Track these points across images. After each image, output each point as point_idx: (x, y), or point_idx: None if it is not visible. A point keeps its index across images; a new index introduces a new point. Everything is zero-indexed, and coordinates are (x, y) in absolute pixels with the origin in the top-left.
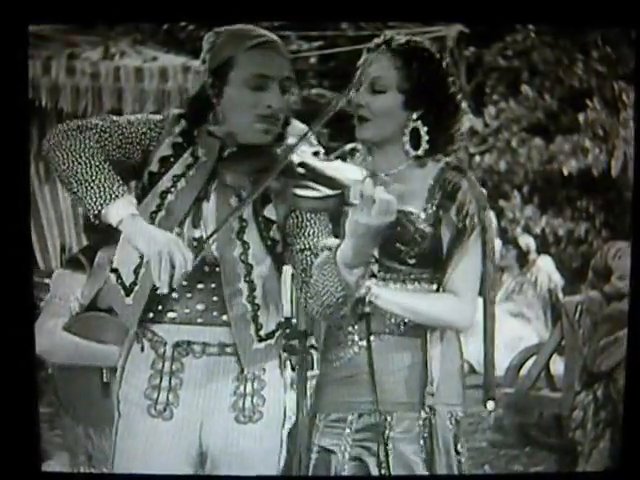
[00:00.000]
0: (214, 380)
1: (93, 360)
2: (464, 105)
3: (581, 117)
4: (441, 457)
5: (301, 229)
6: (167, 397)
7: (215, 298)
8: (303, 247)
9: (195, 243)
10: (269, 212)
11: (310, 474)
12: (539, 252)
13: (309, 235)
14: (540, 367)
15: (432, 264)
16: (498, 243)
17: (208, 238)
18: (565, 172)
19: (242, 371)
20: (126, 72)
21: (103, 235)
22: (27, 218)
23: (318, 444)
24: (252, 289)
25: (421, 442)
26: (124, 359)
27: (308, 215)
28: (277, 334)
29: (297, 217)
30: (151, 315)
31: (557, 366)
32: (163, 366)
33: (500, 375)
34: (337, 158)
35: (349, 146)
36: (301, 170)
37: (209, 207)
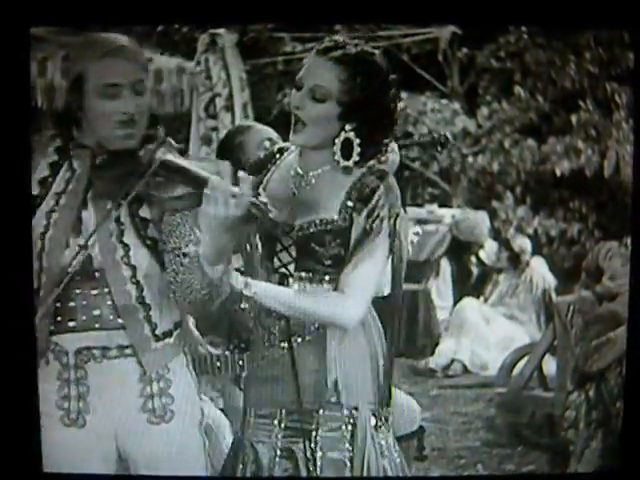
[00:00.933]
0: (118, 383)
1: None
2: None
3: (574, 118)
4: (365, 457)
5: (172, 229)
6: (77, 405)
7: (109, 302)
8: (173, 247)
9: (77, 249)
10: (144, 212)
11: (242, 469)
12: (533, 253)
13: (179, 235)
14: (533, 367)
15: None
16: (492, 244)
17: (85, 245)
18: (558, 173)
19: (145, 372)
20: None
21: None
22: (29, 215)
23: (249, 439)
24: (140, 290)
25: (346, 441)
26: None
27: (177, 215)
28: (176, 333)
29: (169, 216)
30: (52, 327)
31: (549, 366)
32: (69, 375)
33: (493, 375)
34: (266, 158)
35: (278, 146)
36: (162, 170)
37: (89, 215)
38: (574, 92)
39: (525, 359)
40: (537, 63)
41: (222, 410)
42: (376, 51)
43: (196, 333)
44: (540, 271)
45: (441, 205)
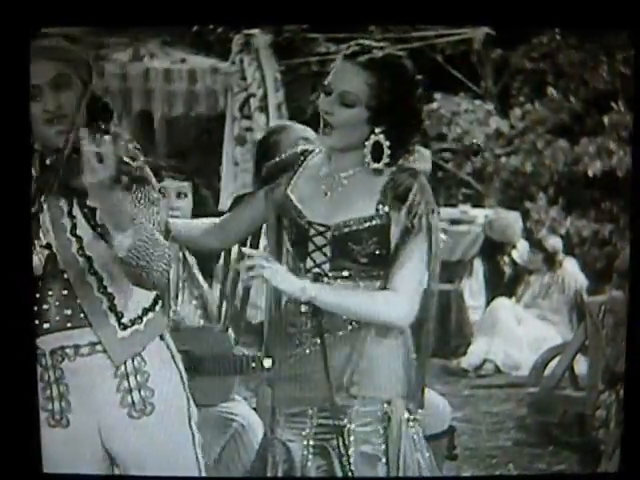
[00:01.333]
0: (95, 380)
1: None
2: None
3: (606, 119)
4: (401, 450)
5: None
6: (60, 405)
7: (79, 300)
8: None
9: (40, 251)
10: (91, 201)
11: (272, 468)
12: (565, 254)
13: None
14: (564, 367)
15: (382, 262)
16: (525, 245)
17: (46, 245)
18: (590, 174)
19: (116, 366)
20: (155, 74)
21: None
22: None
23: (280, 438)
24: (100, 280)
25: (380, 435)
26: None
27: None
28: (146, 319)
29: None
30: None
31: (581, 366)
32: (48, 376)
33: (524, 375)
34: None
35: (301, 148)
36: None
37: (45, 217)
38: (606, 93)
39: (557, 359)
40: (570, 64)
41: (256, 410)
42: (402, 53)
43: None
44: (572, 272)
45: (474, 205)
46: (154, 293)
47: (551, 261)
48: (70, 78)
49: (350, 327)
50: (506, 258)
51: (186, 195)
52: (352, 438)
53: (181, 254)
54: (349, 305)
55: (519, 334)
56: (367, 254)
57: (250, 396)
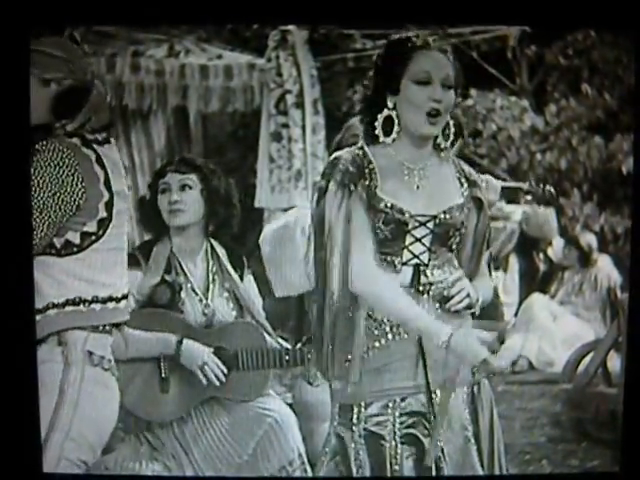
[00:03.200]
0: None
1: (156, 350)
2: None
3: None
4: (495, 427)
5: None
6: None
7: None
8: None
9: None
10: None
11: (357, 466)
12: (599, 250)
13: None
14: (597, 363)
15: (463, 248)
16: (559, 242)
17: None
18: (624, 171)
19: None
20: (191, 70)
21: (158, 231)
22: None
23: (363, 432)
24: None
25: (468, 417)
26: None
27: None
28: (40, 317)
29: None
30: None
31: (614, 362)
32: None
33: (558, 371)
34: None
35: (388, 139)
36: None
37: None
38: None
39: (590, 356)
40: (604, 61)
41: (290, 405)
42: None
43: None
44: (605, 269)
45: (509, 202)
46: (50, 294)
47: (586, 258)
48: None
49: (439, 311)
50: (541, 255)
51: (190, 187)
52: (440, 421)
53: (209, 246)
54: (488, 296)
55: (554, 331)
56: (458, 240)
57: (284, 391)
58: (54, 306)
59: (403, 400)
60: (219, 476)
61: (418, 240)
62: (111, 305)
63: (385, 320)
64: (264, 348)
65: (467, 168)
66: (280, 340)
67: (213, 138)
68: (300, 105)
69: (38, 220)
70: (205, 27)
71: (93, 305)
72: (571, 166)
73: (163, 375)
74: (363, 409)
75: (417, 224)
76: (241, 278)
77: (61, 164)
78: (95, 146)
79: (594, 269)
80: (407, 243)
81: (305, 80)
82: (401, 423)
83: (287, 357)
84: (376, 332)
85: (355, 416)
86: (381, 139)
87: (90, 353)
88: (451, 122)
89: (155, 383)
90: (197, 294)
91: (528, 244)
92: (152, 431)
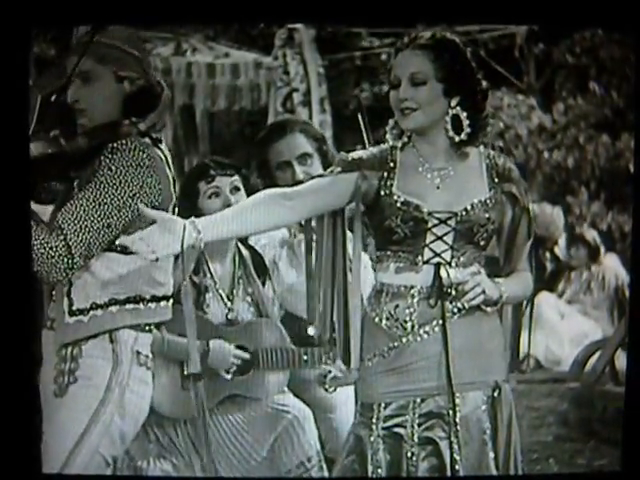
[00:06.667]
0: (45, 351)
1: (185, 354)
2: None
3: None
4: (513, 431)
5: None
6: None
7: None
8: None
9: None
10: None
11: (380, 463)
12: (606, 249)
13: None
14: (605, 362)
15: (497, 244)
16: (566, 240)
17: None
18: (631, 169)
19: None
20: (198, 68)
21: None
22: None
23: (382, 433)
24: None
25: (487, 420)
26: None
27: None
28: (92, 313)
29: None
30: None
31: (622, 361)
32: None
33: (565, 370)
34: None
35: (398, 143)
36: None
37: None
38: None
39: (597, 354)
40: (612, 59)
41: (306, 403)
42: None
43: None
44: (613, 267)
45: None
46: (111, 291)
47: (595, 257)
48: (91, 74)
49: (459, 313)
50: (548, 253)
51: (239, 189)
52: (459, 424)
53: (237, 249)
54: (523, 292)
55: (561, 329)
56: (486, 236)
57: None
58: (116, 302)
59: (423, 401)
60: (218, 477)
61: (439, 238)
62: (162, 304)
63: (407, 319)
64: (284, 348)
65: (502, 161)
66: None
67: (220, 136)
68: (307, 103)
69: (115, 218)
70: (212, 25)
71: (150, 304)
72: (578, 164)
73: (186, 372)
74: (382, 409)
75: (436, 222)
76: (263, 284)
77: (142, 164)
78: (162, 147)
79: (601, 267)
80: (428, 241)
81: (312, 78)
82: (419, 425)
83: (305, 357)
84: (398, 332)
85: (375, 415)
86: (391, 142)
87: (138, 353)
88: (462, 114)
89: (177, 380)
90: (222, 297)
91: (535, 243)
92: (163, 428)
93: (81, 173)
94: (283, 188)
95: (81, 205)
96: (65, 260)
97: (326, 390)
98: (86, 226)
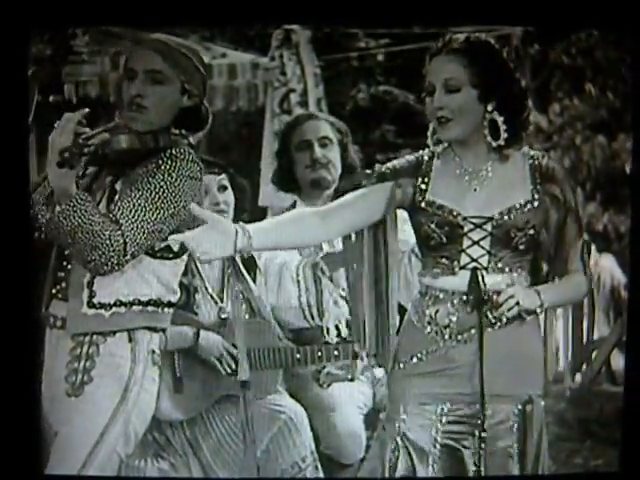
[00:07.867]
0: (51, 352)
1: (175, 344)
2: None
3: None
4: (542, 447)
5: None
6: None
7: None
8: None
9: None
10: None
11: (390, 467)
12: (600, 250)
13: None
14: (601, 362)
15: (536, 247)
16: None
17: None
18: (627, 170)
19: (73, 339)
20: None
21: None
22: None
23: (406, 436)
24: None
25: (515, 433)
26: None
27: None
28: (114, 310)
29: None
30: None
31: (618, 361)
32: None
33: (562, 370)
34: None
35: (438, 148)
36: None
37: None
38: None
39: (594, 354)
40: (608, 60)
41: (307, 401)
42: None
43: (275, 325)
44: (608, 268)
45: None
46: (136, 291)
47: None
48: (163, 76)
49: (499, 323)
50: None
51: (226, 188)
52: (487, 435)
53: None
54: (573, 296)
55: (557, 329)
56: (525, 240)
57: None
58: (139, 303)
59: (451, 408)
60: (216, 477)
61: (475, 243)
62: (171, 310)
63: (446, 325)
64: (276, 347)
65: (546, 161)
66: (287, 341)
67: (217, 137)
68: (304, 104)
69: (167, 225)
70: (209, 27)
71: (165, 309)
72: (574, 165)
73: (178, 374)
74: (407, 413)
75: (472, 226)
76: (254, 280)
77: (196, 177)
78: (199, 162)
79: (597, 268)
80: (464, 246)
81: (309, 79)
82: (444, 432)
83: (298, 355)
84: (437, 337)
85: (401, 418)
86: (431, 148)
87: (153, 352)
88: (500, 119)
89: (169, 383)
90: (212, 297)
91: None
92: (160, 429)
93: (126, 169)
94: (317, 207)
95: (139, 205)
96: (120, 255)
97: (320, 386)
98: (142, 227)
